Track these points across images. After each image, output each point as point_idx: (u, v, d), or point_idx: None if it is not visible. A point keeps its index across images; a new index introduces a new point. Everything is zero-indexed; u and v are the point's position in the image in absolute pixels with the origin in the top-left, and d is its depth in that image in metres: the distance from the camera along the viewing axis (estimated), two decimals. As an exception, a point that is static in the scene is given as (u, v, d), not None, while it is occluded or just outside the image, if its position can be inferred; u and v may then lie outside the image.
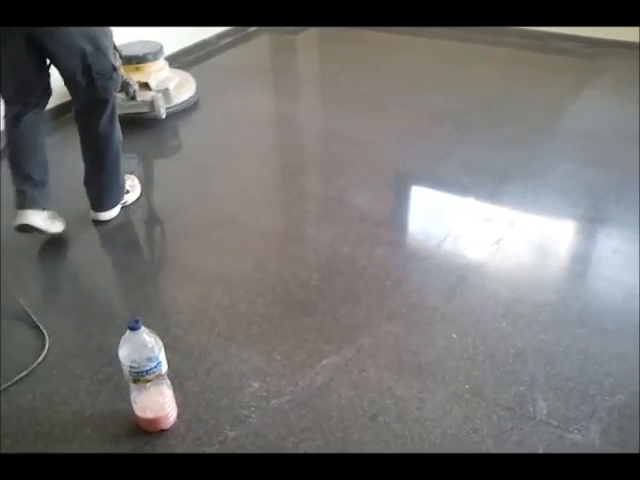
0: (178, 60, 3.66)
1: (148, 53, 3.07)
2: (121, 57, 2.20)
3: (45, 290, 2.12)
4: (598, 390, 1.59)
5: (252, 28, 4.16)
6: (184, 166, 2.76)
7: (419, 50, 3.84)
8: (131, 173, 2.51)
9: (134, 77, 2.89)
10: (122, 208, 2.37)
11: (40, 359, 1.75)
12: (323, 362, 1.71)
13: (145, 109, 2.95)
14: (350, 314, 1.88)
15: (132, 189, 2.45)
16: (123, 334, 1.46)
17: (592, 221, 2.29)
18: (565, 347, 1.72)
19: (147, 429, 1.55)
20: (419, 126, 2.96)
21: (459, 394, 1.60)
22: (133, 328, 1.46)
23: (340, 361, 1.71)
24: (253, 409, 1.58)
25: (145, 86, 3.00)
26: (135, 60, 3.01)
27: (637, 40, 3.46)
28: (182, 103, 3.15)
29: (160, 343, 1.49)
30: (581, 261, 2.13)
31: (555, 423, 1.51)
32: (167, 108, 3.03)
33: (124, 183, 2.35)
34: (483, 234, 2.22)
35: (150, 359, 1.47)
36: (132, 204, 2.43)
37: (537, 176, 2.51)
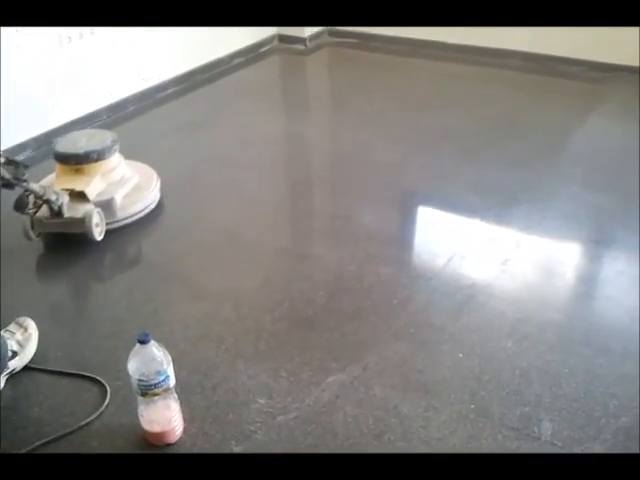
0: (191, 79, 3.73)
1: (92, 151, 2.36)
2: (25, 166, 1.94)
3: (53, 304, 2.14)
4: (603, 412, 1.59)
5: (264, 48, 4.23)
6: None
7: (426, 72, 3.89)
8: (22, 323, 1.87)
9: (70, 183, 2.31)
10: (8, 378, 1.74)
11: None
12: (329, 379, 1.72)
13: (74, 229, 2.24)
14: (357, 332, 1.89)
15: (24, 344, 1.80)
16: (131, 348, 1.48)
17: (597, 243, 2.30)
18: (570, 368, 1.73)
19: (153, 443, 1.56)
20: (426, 146, 2.99)
21: (464, 414, 1.60)
22: (143, 341, 1.48)
23: (346, 379, 1.72)
24: (259, 425, 1.59)
25: (81, 197, 2.29)
26: (74, 160, 2.35)
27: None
28: (134, 215, 2.41)
29: (169, 357, 1.51)
30: (586, 282, 2.15)
31: (560, 444, 1.51)
32: (111, 223, 2.34)
33: (6, 348, 1.71)
34: (490, 254, 2.23)
35: (159, 373, 1.48)
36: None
37: (543, 198, 2.53)
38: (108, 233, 2.34)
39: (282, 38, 4.31)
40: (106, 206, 2.33)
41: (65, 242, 2.32)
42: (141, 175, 2.55)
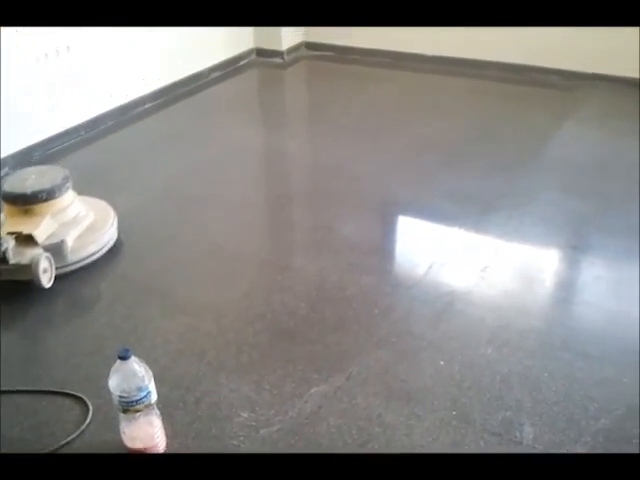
0: (170, 93, 3.73)
1: (41, 191, 2.19)
2: None
3: (33, 321, 2.12)
4: (583, 414, 1.61)
5: (242, 62, 4.25)
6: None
7: (404, 84, 3.93)
8: None
9: (18, 225, 2.15)
10: None
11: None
12: (312, 390, 1.72)
13: (20, 276, 2.06)
14: (339, 342, 1.89)
15: None
16: (112, 365, 1.48)
17: (575, 249, 2.34)
18: (550, 372, 1.75)
19: (136, 460, 1.54)
20: (405, 157, 3.02)
21: (447, 420, 1.61)
22: (123, 357, 1.47)
23: (329, 389, 1.72)
24: (242, 439, 1.59)
25: (29, 240, 2.12)
26: (22, 200, 2.18)
27: (615, 73, 3.57)
28: (88, 257, 2.24)
29: (150, 373, 1.50)
30: (565, 288, 2.17)
31: (541, 448, 1.53)
32: (61, 267, 2.17)
33: None
34: (469, 262, 2.26)
35: (140, 389, 1.47)
36: None
37: (521, 205, 2.57)
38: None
39: (260, 52, 4.34)
40: (56, 249, 2.15)
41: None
42: (97, 213, 2.39)
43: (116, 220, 2.41)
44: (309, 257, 2.35)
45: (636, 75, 3.51)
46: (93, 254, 2.28)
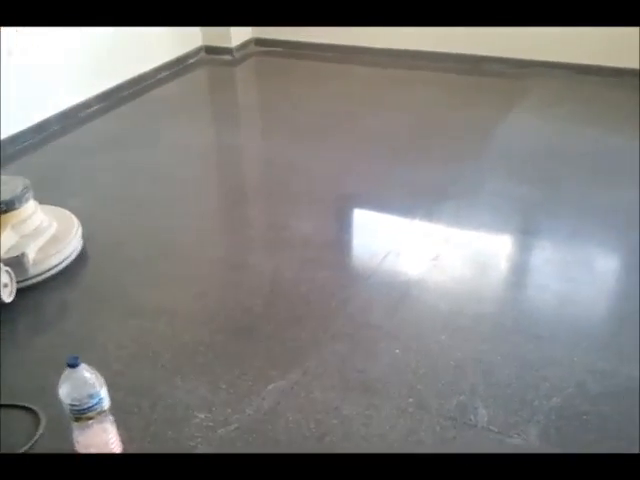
0: (115, 96, 3.66)
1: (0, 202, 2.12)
2: None
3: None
4: (535, 394, 1.65)
5: (191, 60, 4.20)
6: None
7: (355, 77, 3.95)
8: None
9: None
10: None
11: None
12: (269, 387, 1.71)
13: None
14: (295, 338, 1.89)
15: None
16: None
17: (524, 233, 2.39)
18: (503, 355, 1.78)
19: (91, 468, 1.51)
20: (358, 150, 3.03)
21: (403, 408, 1.63)
22: (72, 365, 1.44)
23: (286, 385, 1.72)
24: (200, 440, 1.57)
25: None
26: None
27: (562, 60, 3.66)
28: (50, 269, 2.17)
29: (101, 379, 1.47)
30: (516, 272, 2.22)
31: (496, 429, 1.55)
32: (23, 281, 2.09)
33: None
34: (422, 251, 2.28)
35: (91, 396, 1.44)
36: None
37: (471, 193, 2.61)
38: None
39: (208, 49, 4.29)
40: (16, 263, 2.07)
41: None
42: (60, 222, 2.31)
43: (80, 229, 2.34)
44: (264, 254, 2.34)
45: (583, 62, 3.61)
46: (56, 265, 2.20)
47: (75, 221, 2.36)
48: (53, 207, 2.42)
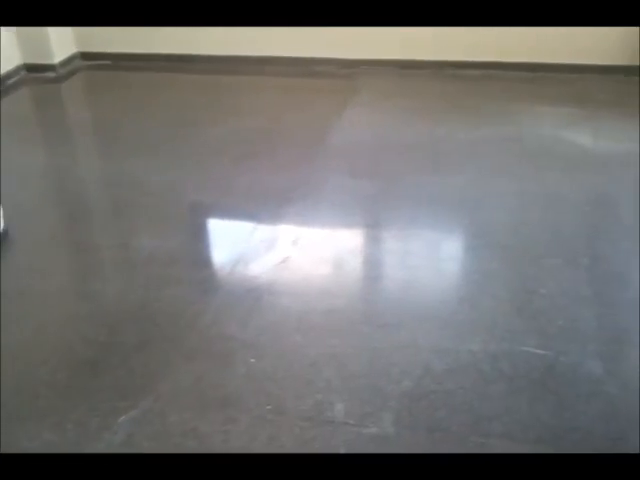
0: None
1: None
2: None
3: None
4: (387, 381, 1.70)
5: (10, 80, 3.88)
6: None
7: (193, 86, 3.88)
8: None
9: None
10: None
11: None
12: (120, 419, 1.62)
13: None
14: (145, 363, 1.81)
15: None
16: None
17: (367, 227, 2.48)
18: (354, 347, 1.83)
19: None
20: (201, 161, 2.97)
21: (262, 416, 1.61)
22: None
23: (138, 414, 1.63)
24: (46, 489, 1.44)
25: None
26: None
27: (387, 57, 3.85)
28: None
29: None
30: (361, 265, 2.29)
31: (352, 422, 1.59)
32: None
33: None
34: (270, 256, 2.28)
35: None
36: None
37: (314, 193, 2.66)
38: None
39: (30, 67, 4.00)
40: None
41: None
42: None
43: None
44: (104, 279, 2.21)
45: (407, 57, 3.82)
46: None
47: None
48: None
